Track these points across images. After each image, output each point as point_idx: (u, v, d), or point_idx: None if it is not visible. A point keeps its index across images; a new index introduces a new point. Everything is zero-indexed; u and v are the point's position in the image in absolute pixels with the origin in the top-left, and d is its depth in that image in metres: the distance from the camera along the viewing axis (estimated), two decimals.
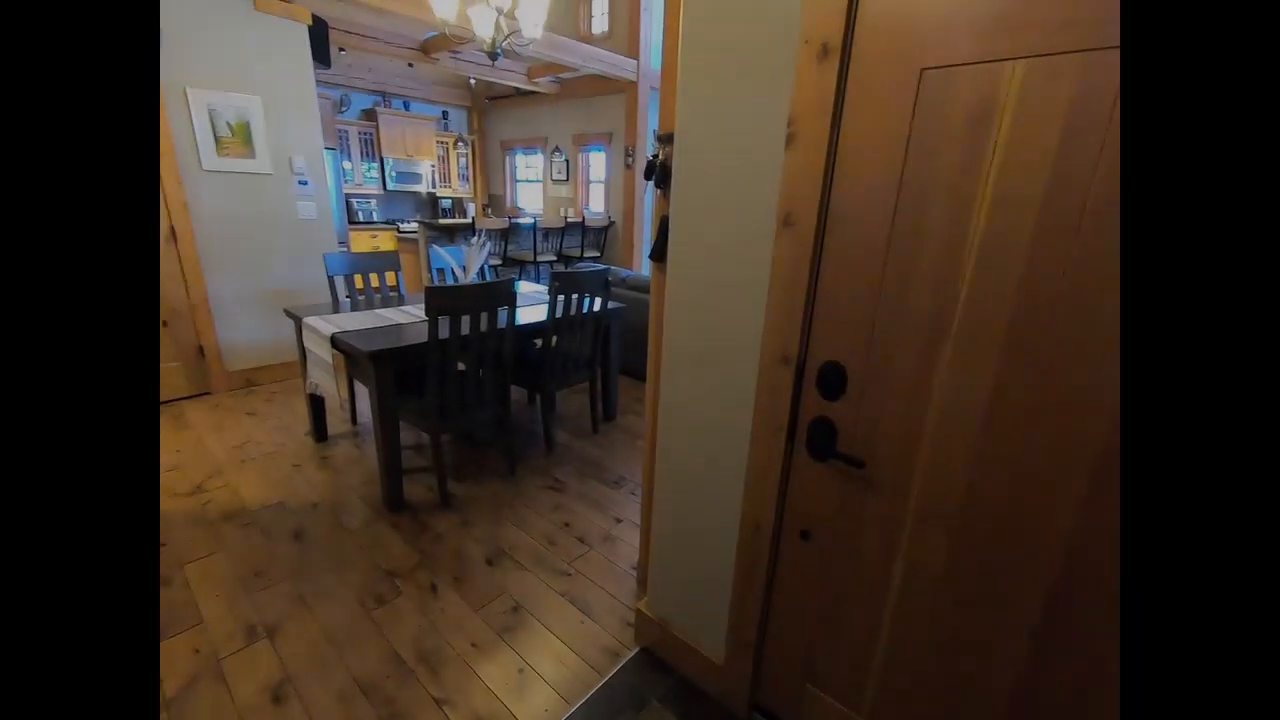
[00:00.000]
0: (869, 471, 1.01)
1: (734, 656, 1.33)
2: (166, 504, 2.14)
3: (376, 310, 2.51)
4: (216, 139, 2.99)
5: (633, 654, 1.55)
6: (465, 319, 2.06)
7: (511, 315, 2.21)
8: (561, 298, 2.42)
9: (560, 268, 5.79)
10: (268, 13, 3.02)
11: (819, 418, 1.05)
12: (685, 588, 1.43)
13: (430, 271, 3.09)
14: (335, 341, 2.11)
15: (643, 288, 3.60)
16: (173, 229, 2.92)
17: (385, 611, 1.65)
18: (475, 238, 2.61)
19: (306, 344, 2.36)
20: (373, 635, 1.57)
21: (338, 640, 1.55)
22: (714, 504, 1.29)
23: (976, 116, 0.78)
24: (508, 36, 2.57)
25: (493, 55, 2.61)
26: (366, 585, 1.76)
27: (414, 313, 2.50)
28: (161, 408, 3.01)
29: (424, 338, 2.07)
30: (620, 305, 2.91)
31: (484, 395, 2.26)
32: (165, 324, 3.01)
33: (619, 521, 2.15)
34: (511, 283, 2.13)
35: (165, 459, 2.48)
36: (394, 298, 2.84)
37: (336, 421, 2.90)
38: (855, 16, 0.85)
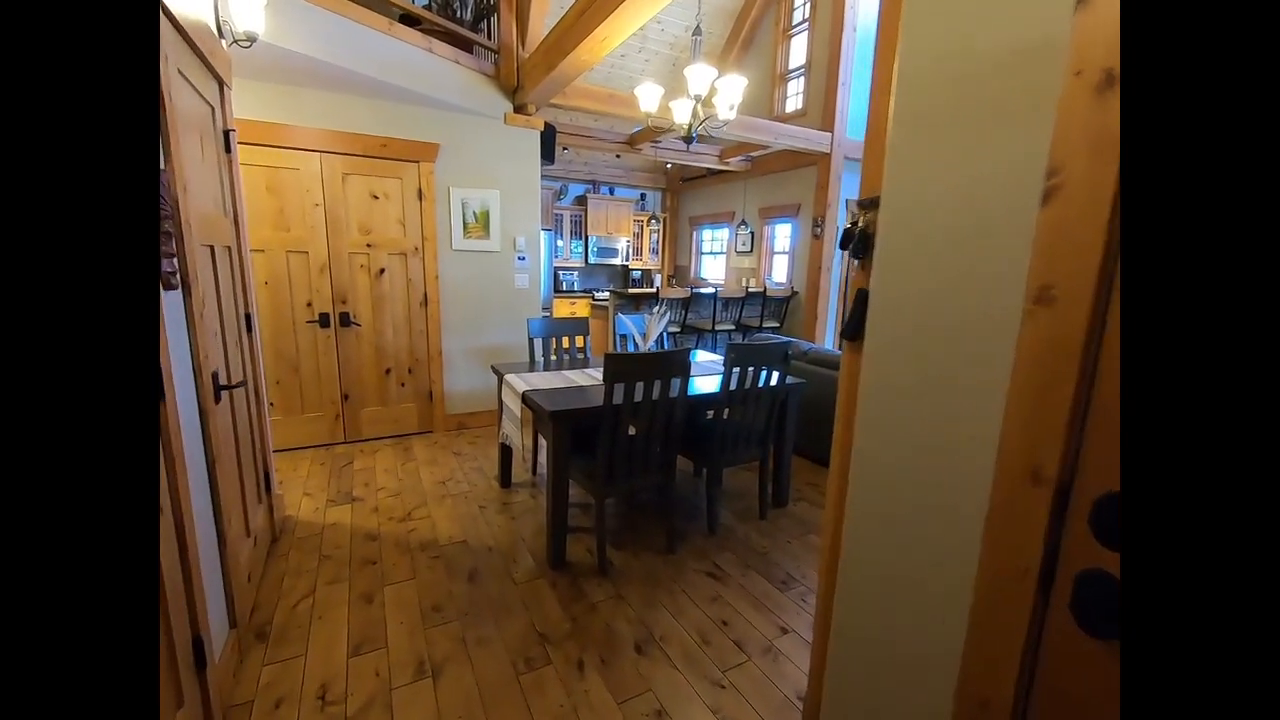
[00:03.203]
0: None
1: None
2: (385, 527, 2.50)
3: (564, 371, 2.71)
4: (465, 225, 3.69)
5: None
6: (640, 385, 2.08)
7: (684, 385, 2.17)
8: (736, 369, 2.32)
9: (738, 337, 5.74)
10: (514, 125, 3.70)
11: (1093, 571, 0.73)
12: None
13: (614, 337, 3.28)
14: (525, 398, 2.30)
15: (827, 363, 3.31)
16: (425, 296, 3.63)
17: (533, 679, 1.62)
18: (657, 307, 2.69)
19: (504, 398, 2.64)
20: (518, 702, 1.54)
21: (487, 698, 1.55)
22: (918, 655, 0.99)
23: None
24: (703, 121, 2.73)
25: (688, 139, 2.78)
26: (520, 644, 1.76)
27: (595, 375, 2.63)
28: (395, 440, 3.63)
29: (600, 401, 2.14)
30: (800, 381, 2.69)
31: (650, 462, 2.22)
32: (410, 372, 3.69)
33: (785, 632, 1.86)
34: (687, 353, 2.10)
35: (391, 485, 2.94)
36: (580, 360, 3.05)
37: (520, 470, 3.15)
38: None
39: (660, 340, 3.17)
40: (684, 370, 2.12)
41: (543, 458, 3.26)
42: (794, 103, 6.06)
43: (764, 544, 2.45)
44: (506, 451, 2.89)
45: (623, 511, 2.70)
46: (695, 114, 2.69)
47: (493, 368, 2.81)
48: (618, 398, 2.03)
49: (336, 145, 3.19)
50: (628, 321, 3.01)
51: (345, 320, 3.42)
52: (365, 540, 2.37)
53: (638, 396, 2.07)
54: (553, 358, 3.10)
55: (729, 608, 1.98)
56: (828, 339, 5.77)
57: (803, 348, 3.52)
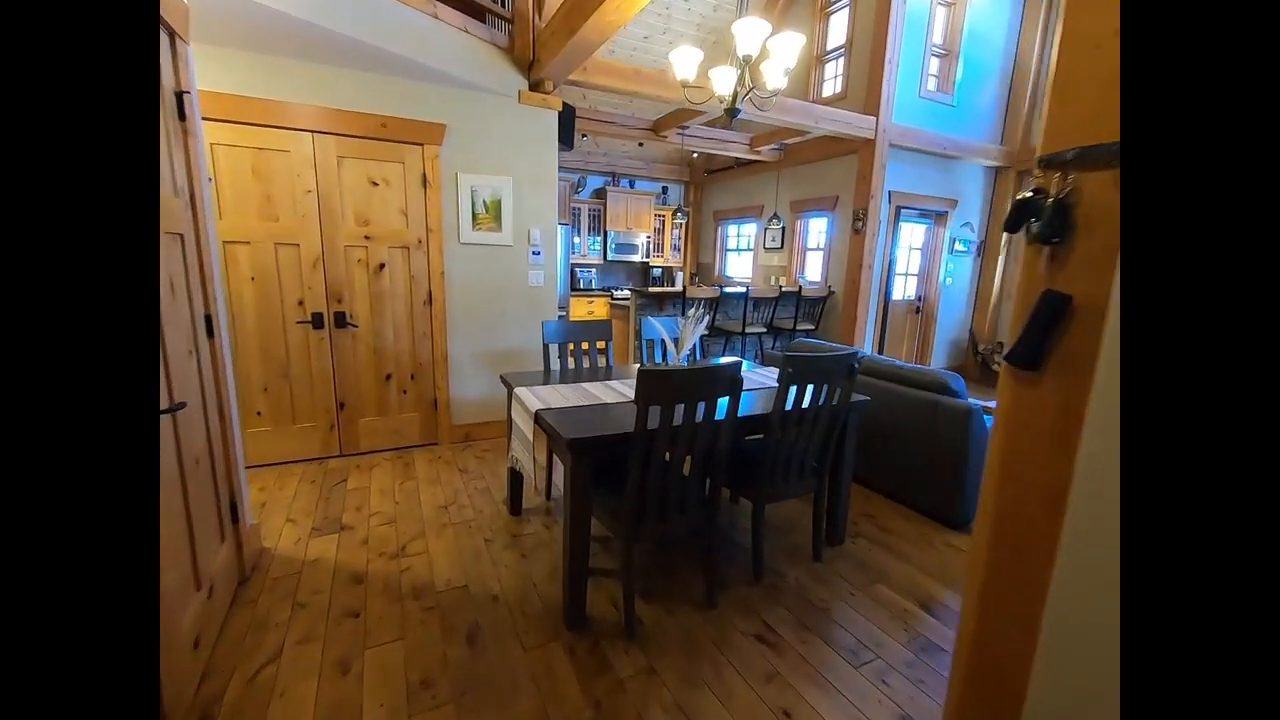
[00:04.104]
0: None
1: None
2: (374, 564, 2.14)
3: (583, 384, 2.32)
4: (474, 216, 3.32)
5: None
6: (680, 408, 1.68)
7: (735, 407, 1.77)
8: (793, 387, 1.91)
9: (769, 340, 5.31)
10: (529, 104, 3.32)
11: None
12: None
13: (640, 341, 2.89)
14: (538, 419, 1.92)
15: (879, 373, 2.87)
16: (430, 294, 3.27)
17: None
18: (692, 309, 2.29)
19: (513, 415, 2.26)
20: None
21: None
22: None
23: None
24: (750, 91, 2.32)
25: (731, 113, 2.37)
26: None
27: (619, 389, 2.24)
28: (396, 454, 3.28)
29: (629, 425, 1.75)
30: (864, 398, 2.26)
31: (688, 499, 1.83)
32: (413, 377, 3.33)
33: None
34: (738, 367, 1.70)
35: (386, 509, 2.59)
36: (601, 369, 2.66)
37: (531, 492, 2.77)
38: None
39: (694, 350, 2.76)
40: (735, 389, 1.72)
41: (559, 478, 2.88)
42: (831, 86, 5.60)
43: (822, 595, 2.03)
44: (517, 475, 2.51)
45: (651, 549, 2.30)
46: (741, 81, 2.28)
47: (502, 378, 2.44)
48: (652, 422, 1.64)
49: (330, 124, 2.84)
50: (656, 325, 2.61)
51: (341, 320, 3.07)
52: (349, 583, 2.01)
53: (677, 419, 1.68)
54: (570, 366, 2.72)
55: (790, 690, 1.57)
56: (867, 342, 5.31)
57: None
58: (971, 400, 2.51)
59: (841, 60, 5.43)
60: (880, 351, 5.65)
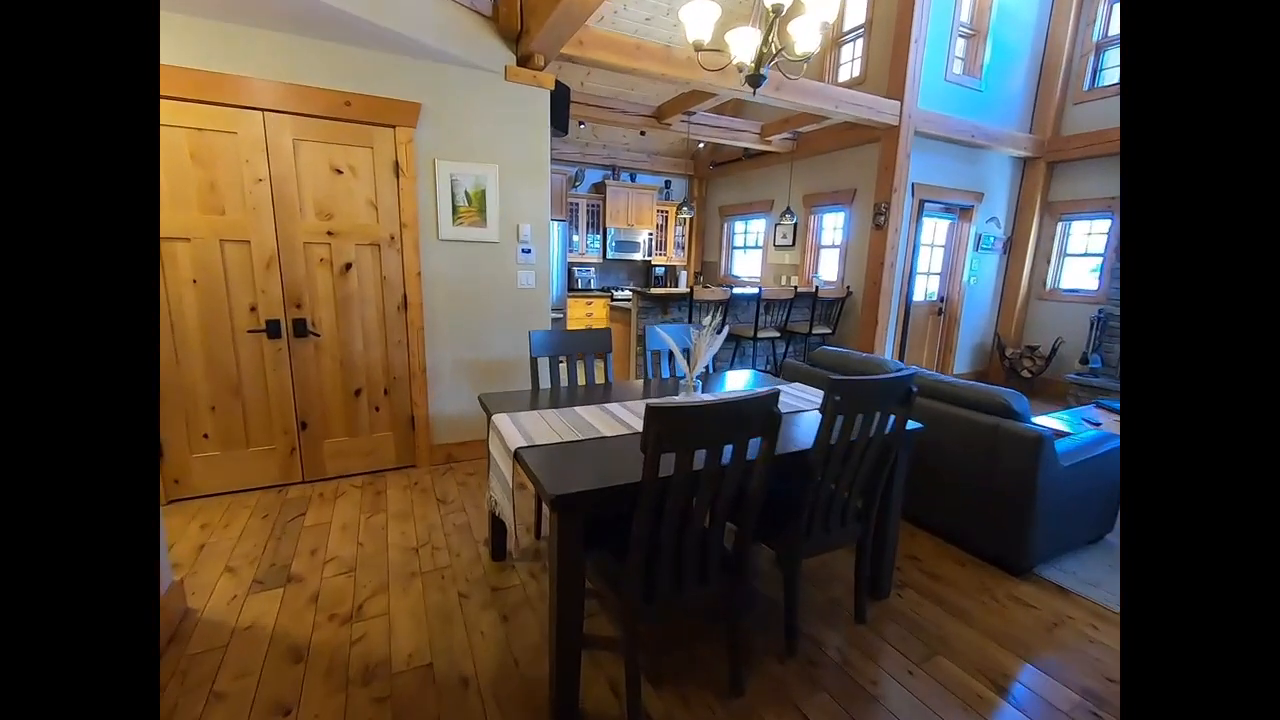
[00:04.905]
0: None
1: None
2: (321, 632, 1.75)
3: (577, 409, 1.92)
4: (455, 208, 2.93)
5: None
6: (700, 452, 1.29)
7: (770, 448, 1.37)
8: (840, 417, 1.52)
9: (782, 345, 4.91)
10: (516, 82, 2.93)
11: None
12: None
13: (645, 354, 2.49)
14: (519, 459, 1.53)
15: (931, 392, 2.47)
16: (405, 297, 2.88)
17: None
18: (708, 319, 1.89)
19: (491, 449, 1.86)
20: None
21: None
22: None
23: None
24: (778, 54, 1.92)
25: (756, 81, 1.97)
26: None
27: (621, 416, 1.84)
28: (368, 479, 2.89)
29: (632, 471, 1.36)
30: (917, 426, 1.87)
31: (708, 563, 1.43)
32: (386, 392, 2.94)
33: None
34: (774, 399, 1.30)
35: (346, 553, 2.20)
36: (599, 388, 2.27)
37: (519, 532, 2.38)
38: None
39: (707, 366, 2.36)
40: (771, 428, 1.33)
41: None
42: (849, 70, 5.20)
43: (871, 675, 1.64)
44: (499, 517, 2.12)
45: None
46: (769, 43, 1.88)
47: (480, 400, 2.04)
48: (664, 469, 1.25)
49: (285, 102, 2.44)
50: (664, 336, 2.22)
51: (301, 328, 2.68)
52: (286, 660, 1.62)
53: (696, 464, 1.29)
54: (563, 383, 2.32)
55: None
56: (888, 347, 4.91)
57: (891, 370, 2.69)
58: (1039, 424, 2.11)
59: (860, 42, 5.03)
60: (900, 357, 5.25)
